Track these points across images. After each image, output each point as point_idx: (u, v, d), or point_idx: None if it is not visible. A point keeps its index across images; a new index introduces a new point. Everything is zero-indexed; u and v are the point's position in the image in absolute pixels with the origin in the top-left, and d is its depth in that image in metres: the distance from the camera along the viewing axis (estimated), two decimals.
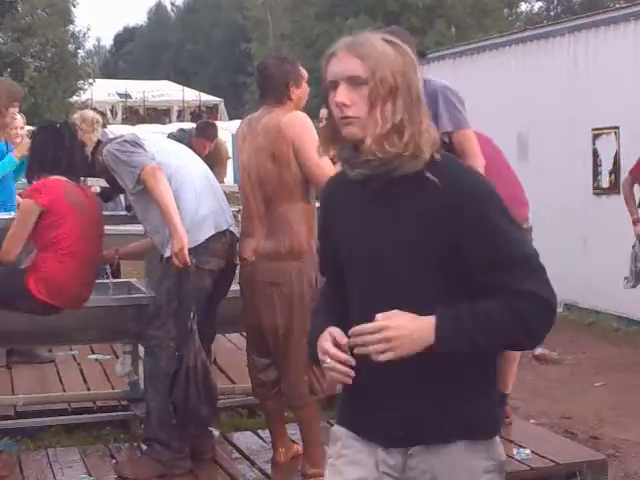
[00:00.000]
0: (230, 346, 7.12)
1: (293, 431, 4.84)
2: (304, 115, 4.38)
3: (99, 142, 6.04)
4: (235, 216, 5.15)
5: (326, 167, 4.20)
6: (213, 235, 4.53)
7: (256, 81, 4.56)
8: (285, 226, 4.33)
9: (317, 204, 4.50)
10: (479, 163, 4.54)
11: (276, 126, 4.28)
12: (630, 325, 8.84)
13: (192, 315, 4.41)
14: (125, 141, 4.58)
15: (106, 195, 5.98)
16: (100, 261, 5.24)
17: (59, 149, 4.83)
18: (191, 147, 5.68)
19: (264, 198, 4.35)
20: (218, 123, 9.14)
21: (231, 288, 4.89)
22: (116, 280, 6.15)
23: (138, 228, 5.67)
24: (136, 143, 4.55)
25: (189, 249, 4.40)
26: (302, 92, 4.45)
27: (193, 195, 4.54)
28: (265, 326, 4.42)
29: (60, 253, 4.63)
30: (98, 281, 5.17)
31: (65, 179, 4.76)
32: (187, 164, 4.71)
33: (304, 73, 4.48)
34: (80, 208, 4.72)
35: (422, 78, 4.66)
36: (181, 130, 9.76)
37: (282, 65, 4.43)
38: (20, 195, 7.70)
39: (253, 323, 4.51)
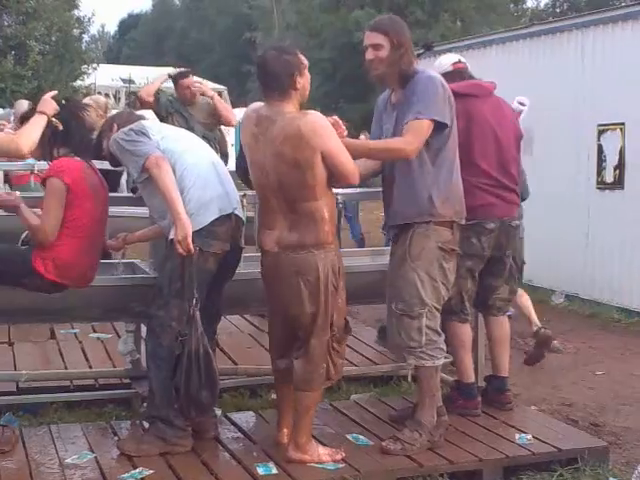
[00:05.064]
0: (232, 328, 7.15)
1: None
2: (320, 116, 4.32)
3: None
4: (240, 201, 5.17)
5: (352, 162, 4.34)
6: (217, 218, 4.55)
7: (257, 75, 4.47)
8: (310, 221, 4.33)
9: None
10: (411, 148, 4.51)
11: (297, 132, 4.21)
12: (631, 317, 8.87)
13: (195, 302, 4.43)
14: (131, 130, 4.61)
15: (112, 182, 5.98)
16: (108, 249, 5.28)
17: (77, 125, 4.84)
18: None
19: (286, 198, 4.34)
20: None
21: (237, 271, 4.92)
22: (121, 261, 6.16)
23: (144, 210, 5.69)
24: (141, 132, 4.59)
25: (193, 232, 4.42)
26: (305, 80, 4.38)
27: (198, 179, 4.57)
28: (292, 314, 4.42)
29: (70, 232, 4.63)
30: (103, 261, 5.19)
31: (80, 160, 4.77)
32: (192, 149, 4.74)
33: (304, 60, 4.40)
34: (95, 191, 4.76)
35: (416, 68, 4.70)
36: None
37: (282, 57, 4.31)
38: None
39: (277, 312, 4.53)
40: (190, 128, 7.48)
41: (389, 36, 4.59)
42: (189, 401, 4.47)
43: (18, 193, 4.85)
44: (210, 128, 8.19)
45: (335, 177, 4.37)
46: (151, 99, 8.15)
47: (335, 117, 4.45)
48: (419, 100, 4.55)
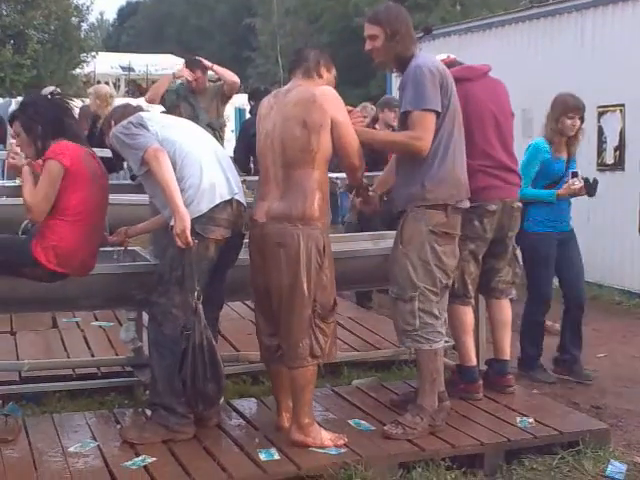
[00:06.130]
0: (234, 314, 7.16)
1: None
2: (335, 92, 4.55)
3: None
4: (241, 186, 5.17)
5: (358, 143, 4.51)
6: (217, 205, 4.57)
7: (289, 60, 4.82)
8: (299, 191, 4.42)
9: (336, 175, 4.62)
10: (422, 143, 4.60)
11: (311, 96, 4.45)
12: (632, 298, 8.89)
13: (197, 294, 4.46)
14: (130, 122, 4.63)
15: (109, 166, 5.99)
16: (109, 244, 5.28)
17: (67, 116, 4.84)
18: None
19: (284, 163, 4.45)
20: None
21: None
22: (121, 248, 6.16)
23: (143, 197, 5.69)
24: (140, 124, 4.61)
25: (194, 218, 4.46)
26: (330, 78, 4.66)
27: (197, 167, 4.58)
28: (271, 286, 4.48)
29: (70, 220, 4.63)
30: (104, 249, 5.19)
31: (79, 145, 4.76)
32: (191, 137, 4.76)
33: (334, 68, 4.71)
34: (94, 176, 4.75)
35: (414, 54, 4.78)
36: None
37: (319, 50, 4.73)
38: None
39: (260, 284, 4.57)
40: (195, 116, 7.52)
41: (382, 26, 4.73)
42: (196, 394, 4.50)
43: (24, 161, 4.77)
44: (216, 115, 8.22)
45: (339, 154, 4.49)
46: (157, 102, 8.18)
47: (356, 109, 4.64)
48: (408, 91, 4.66)
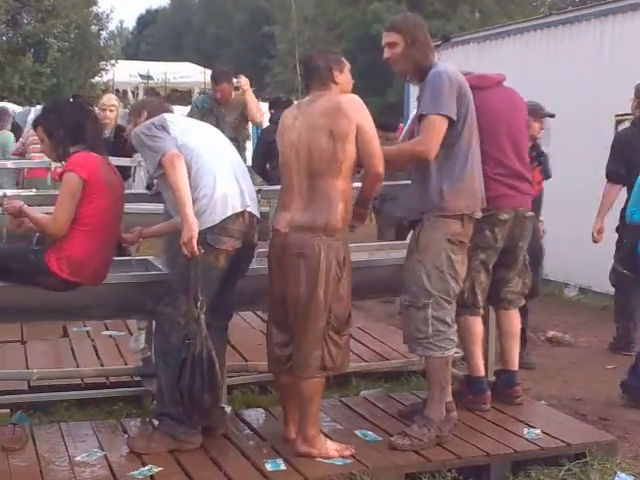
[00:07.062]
0: (243, 324, 7.15)
1: None
2: (360, 99, 4.55)
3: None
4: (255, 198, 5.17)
5: (380, 150, 4.50)
6: (229, 216, 4.57)
7: (301, 74, 4.81)
8: (325, 201, 4.42)
9: (355, 184, 4.60)
10: (422, 148, 4.66)
11: (336, 105, 4.45)
12: None
13: (200, 305, 4.46)
14: (152, 124, 4.64)
15: (122, 173, 6.01)
16: (123, 242, 5.29)
17: (89, 122, 4.86)
18: None
19: (309, 173, 4.45)
20: None
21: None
22: (134, 257, 6.18)
23: (158, 207, 5.71)
24: (162, 126, 4.62)
25: (206, 229, 4.48)
26: (345, 78, 4.63)
27: (212, 177, 4.59)
28: (288, 295, 4.48)
29: (84, 230, 4.64)
30: (116, 258, 5.20)
31: (96, 155, 4.79)
32: (210, 145, 4.76)
33: (346, 62, 4.68)
34: (111, 187, 4.77)
35: (434, 62, 4.80)
36: None
37: (324, 53, 4.69)
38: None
39: (277, 294, 4.56)
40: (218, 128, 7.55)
41: (402, 34, 4.77)
42: (192, 405, 4.49)
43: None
44: (239, 129, 8.25)
45: (363, 158, 4.47)
46: None
47: None
48: (426, 96, 4.69)
